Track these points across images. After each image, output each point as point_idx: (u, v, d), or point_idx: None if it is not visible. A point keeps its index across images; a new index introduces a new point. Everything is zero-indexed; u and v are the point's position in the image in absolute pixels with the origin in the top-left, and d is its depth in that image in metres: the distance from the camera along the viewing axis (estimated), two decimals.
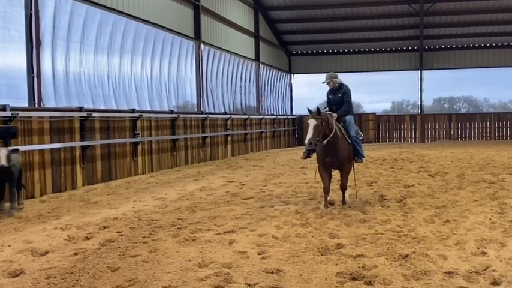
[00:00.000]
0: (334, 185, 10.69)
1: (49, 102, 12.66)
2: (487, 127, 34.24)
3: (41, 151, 11.78)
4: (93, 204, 10.41)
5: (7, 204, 9.38)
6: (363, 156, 10.00)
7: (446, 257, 5.97)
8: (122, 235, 7.49)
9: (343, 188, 9.84)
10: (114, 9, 15.47)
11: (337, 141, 9.41)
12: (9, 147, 9.46)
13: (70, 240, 7.26)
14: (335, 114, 9.72)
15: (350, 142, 9.71)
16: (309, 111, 9.20)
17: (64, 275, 5.59)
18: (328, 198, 9.78)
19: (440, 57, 34.67)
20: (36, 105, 12.12)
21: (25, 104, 11.98)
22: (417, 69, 34.62)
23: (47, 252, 6.58)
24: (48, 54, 12.75)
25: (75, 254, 6.49)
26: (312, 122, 8.98)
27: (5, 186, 9.30)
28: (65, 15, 13.38)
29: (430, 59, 34.55)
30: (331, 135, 9.21)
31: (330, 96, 10.25)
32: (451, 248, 6.40)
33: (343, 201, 9.82)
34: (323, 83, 10.23)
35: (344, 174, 9.85)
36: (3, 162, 8.84)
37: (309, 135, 8.95)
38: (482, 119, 34.55)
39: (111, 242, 7.09)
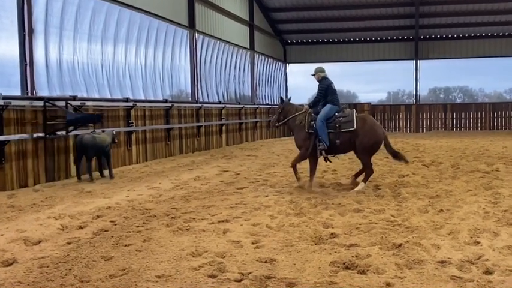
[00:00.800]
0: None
1: (42, 91, 12.58)
2: (482, 117, 34.25)
3: (35, 140, 11.71)
4: (86, 193, 10.37)
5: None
6: (324, 143, 10.25)
7: (439, 246, 5.98)
8: (115, 224, 7.48)
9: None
10: None
11: (294, 129, 10.89)
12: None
13: (63, 230, 7.24)
14: (306, 106, 10.84)
15: (308, 131, 10.46)
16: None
17: (57, 264, 5.58)
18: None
19: (435, 47, 34.62)
20: (29, 94, 12.04)
21: (18, 93, 11.90)
22: (413, 59, 34.57)
23: (40, 242, 6.56)
24: (41, 43, 12.65)
25: (69, 243, 6.47)
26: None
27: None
28: (57, 3, 13.26)
29: (426, 49, 34.51)
30: (283, 121, 10.99)
31: None
32: (444, 238, 6.41)
33: None
34: (311, 75, 10.90)
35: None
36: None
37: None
38: (477, 109, 34.56)
39: (105, 231, 7.07)
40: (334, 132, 10.26)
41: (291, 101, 11.29)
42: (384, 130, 10.89)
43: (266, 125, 29.99)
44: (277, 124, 11.17)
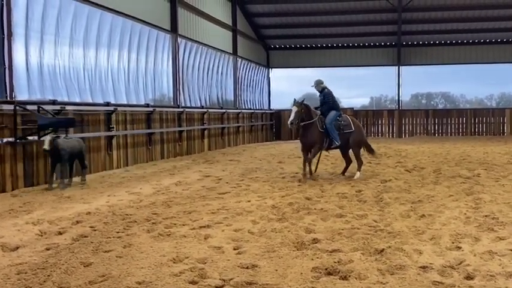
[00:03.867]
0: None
1: (22, 95, 12.42)
2: (464, 123, 34.54)
3: (13, 144, 11.54)
4: (66, 198, 10.22)
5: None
6: (337, 141, 12.70)
7: (421, 251, 5.99)
8: (95, 230, 7.37)
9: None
10: (88, 1, 15.20)
11: (310, 127, 12.55)
12: (53, 134, 11.68)
13: (42, 235, 7.11)
14: (318, 111, 12.92)
15: (321, 130, 12.60)
16: (295, 100, 12.68)
17: (35, 271, 5.47)
18: (307, 174, 12.53)
19: (418, 53, 34.90)
20: (8, 98, 11.87)
21: None
22: (395, 65, 34.80)
23: (18, 248, 6.44)
24: (21, 46, 12.49)
25: (47, 249, 6.36)
26: (294, 109, 12.38)
27: (56, 165, 11.59)
28: (38, 6, 13.11)
29: (408, 55, 34.79)
30: (307, 122, 12.51)
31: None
32: (426, 243, 6.42)
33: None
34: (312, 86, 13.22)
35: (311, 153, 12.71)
36: (45, 146, 11.09)
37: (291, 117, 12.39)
38: (458, 115, 34.86)
39: (84, 237, 6.96)
40: (339, 133, 12.74)
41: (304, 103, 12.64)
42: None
43: (249, 129, 30.01)
44: (301, 124, 12.56)
